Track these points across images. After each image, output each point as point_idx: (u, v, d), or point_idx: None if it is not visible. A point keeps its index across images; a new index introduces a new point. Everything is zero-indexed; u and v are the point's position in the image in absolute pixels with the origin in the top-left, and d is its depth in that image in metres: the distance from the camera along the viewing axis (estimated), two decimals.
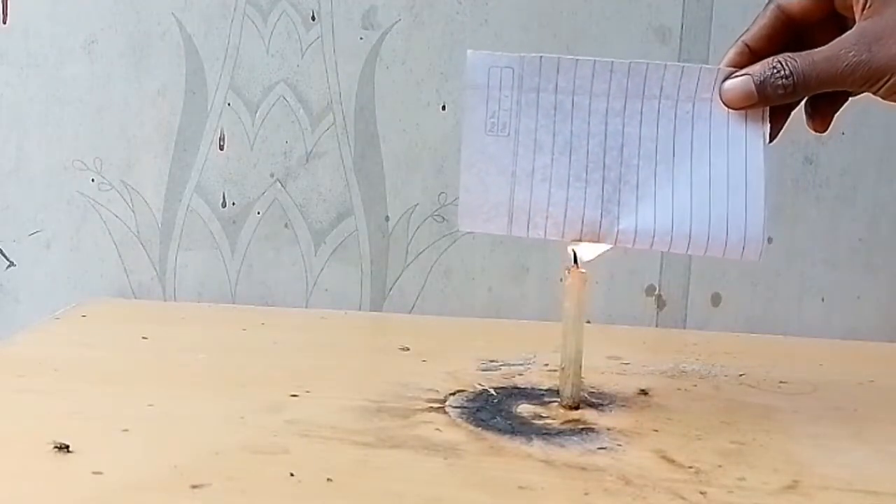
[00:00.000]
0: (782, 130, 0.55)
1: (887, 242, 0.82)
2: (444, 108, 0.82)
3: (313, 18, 0.82)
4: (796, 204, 0.82)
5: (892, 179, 0.82)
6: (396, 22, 0.82)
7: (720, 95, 0.53)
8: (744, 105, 0.53)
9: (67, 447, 0.47)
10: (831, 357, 0.74)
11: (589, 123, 0.54)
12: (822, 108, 0.54)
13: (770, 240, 0.82)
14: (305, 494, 0.44)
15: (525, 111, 0.54)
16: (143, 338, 0.70)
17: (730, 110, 0.53)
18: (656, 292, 0.84)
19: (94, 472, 0.45)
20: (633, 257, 0.83)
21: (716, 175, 0.53)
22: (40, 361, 0.63)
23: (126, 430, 0.50)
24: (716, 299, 0.84)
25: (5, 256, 0.86)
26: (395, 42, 0.82)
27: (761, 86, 0.52)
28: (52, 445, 0.47)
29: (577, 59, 0.54)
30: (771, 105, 0.53)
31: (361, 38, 0.82)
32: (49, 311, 0.80)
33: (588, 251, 0.56)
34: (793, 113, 0.55)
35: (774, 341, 0.80)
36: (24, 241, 0.85)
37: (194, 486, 0.44)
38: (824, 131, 0.55)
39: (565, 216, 0.54)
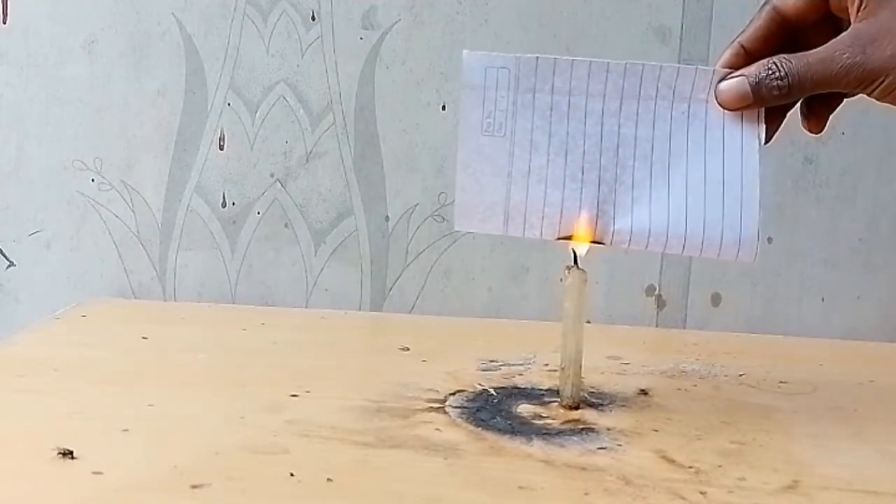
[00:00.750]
0: (778, 131, 0.55)
1: (887, 242, 0.82)
2: (444, 108, 0.82)
3: (313, 18, 0.82)
4: (796, 204, 0.82)
5: (892, 179, 0.82)
6: (396, 22, 0.82)
7: (716, 96, 0.53)
8: (739, 106, 0.53)
9: (71, 453, 0.46)
10: (831, 357, 0.74)
11: (585, 124, 0.54)
12: (818, 109, 0.55)
13: (770, 240, 0.82)
14: (305, 494, 0.44)
15: (521, 112, 0.54)
16: (143, 338, 0.70)
17: (725, 111, 0.53)
18: (656, 292, 0.84)
19: (94, 472, 0.45)
20: (633, 257, 0.83)
21: (711, 176, 0.54)
22: (40, 361, 0.62)
23: (126, 430, 0.50)
24: (716, 299, 0.84)
25: (5, 256, 0.86)
26: (395, 42, 0.82)
27: (756, 87, 0.52)
28: (56, 452, 0.46)
29: (573, 60, 0.54)
30: (766, 106, 0.53)
31: (361, 38, 0.82)
32: (49, 311, 0.80)
33: (580, 247, 0.56)
34: (789, 114, 0.55)
35: (774, 341, 0.80)
36: (24, 241, 0.85)
37: (194, 486, 0.44)
38: (819, 132, 0.55)
39: (561, 217, 0.54)
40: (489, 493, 0.45)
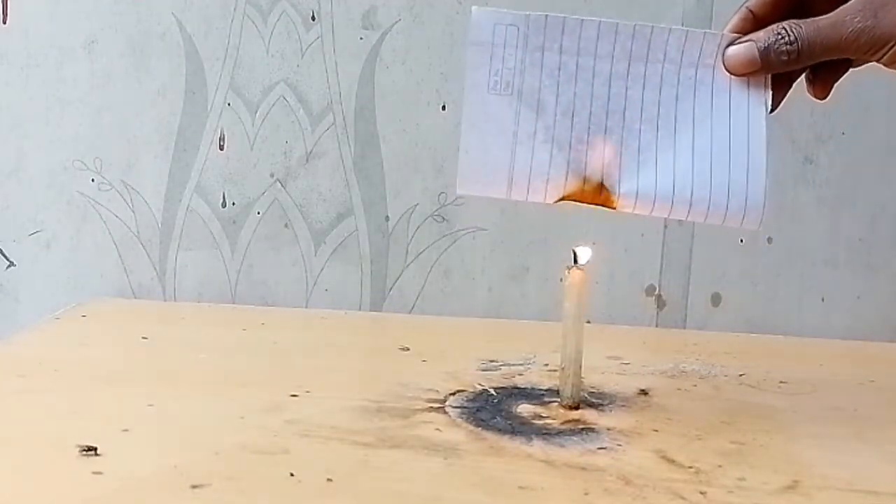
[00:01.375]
0: (784, 99, 0.54)
1: (887, 242, 0.82)
2: (444, 108, 0.82)
3: (313, 18, 0.82)
4: (796, 204, 0.82)
5: (892, 179, 0.82)
6: (396, 22, 0.82)
7: (723, 62, 0.53)
8: (747, 71, 0.52)
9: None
10: (831, 357, 0.74)
11: (592, 85, 0.54)
12: (824, 75, 0.54)
13: (770, 240, 0.82)
14: (305, 494, 0.44)
15: (529, 70, 0.54)
16: (143, 338, 0.70)
17: (732, 77, 0.53)
18: (656, 292, 0.84)
19: (94, 473, 0.45)
20: (633, 257, 0.83)
21: (717, 142, 0.53)
22: (40, 361, 0.63)
23: (126, 430, 0.50)
24: (716, 299, 0.84)
25: (5, 256, 0.86)
26: (395, 42, 0.82)
27: (765, 52, 0.51)
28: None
29: (583, 20, 0.53)
30: (774, 72, 0.52)
31: (361, 38, 0.82)
32: (49, 311, 0.80)
33: (583, 253, 0.55)
34: (794, 84, 0.55)
35: (774, 341, 0.80)
36: (24, 241, 0.85)
37: (194, 486, 0.44)
38: (825, 98, 0.54)
39: (566, 179, 0.54)
40: (489, 493, 0.45)
